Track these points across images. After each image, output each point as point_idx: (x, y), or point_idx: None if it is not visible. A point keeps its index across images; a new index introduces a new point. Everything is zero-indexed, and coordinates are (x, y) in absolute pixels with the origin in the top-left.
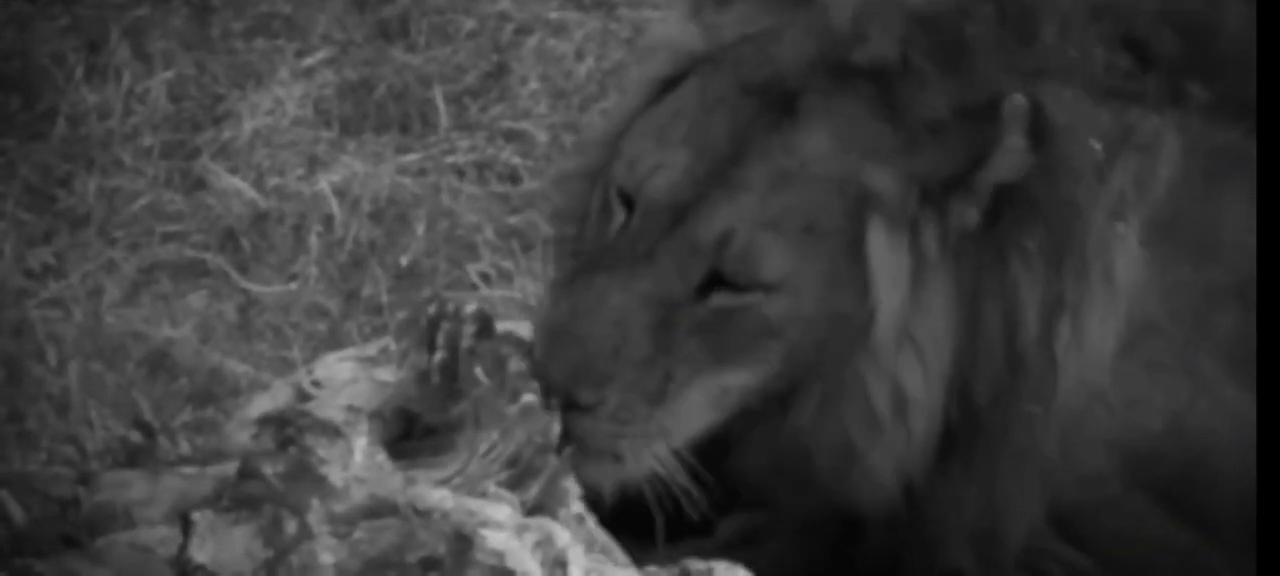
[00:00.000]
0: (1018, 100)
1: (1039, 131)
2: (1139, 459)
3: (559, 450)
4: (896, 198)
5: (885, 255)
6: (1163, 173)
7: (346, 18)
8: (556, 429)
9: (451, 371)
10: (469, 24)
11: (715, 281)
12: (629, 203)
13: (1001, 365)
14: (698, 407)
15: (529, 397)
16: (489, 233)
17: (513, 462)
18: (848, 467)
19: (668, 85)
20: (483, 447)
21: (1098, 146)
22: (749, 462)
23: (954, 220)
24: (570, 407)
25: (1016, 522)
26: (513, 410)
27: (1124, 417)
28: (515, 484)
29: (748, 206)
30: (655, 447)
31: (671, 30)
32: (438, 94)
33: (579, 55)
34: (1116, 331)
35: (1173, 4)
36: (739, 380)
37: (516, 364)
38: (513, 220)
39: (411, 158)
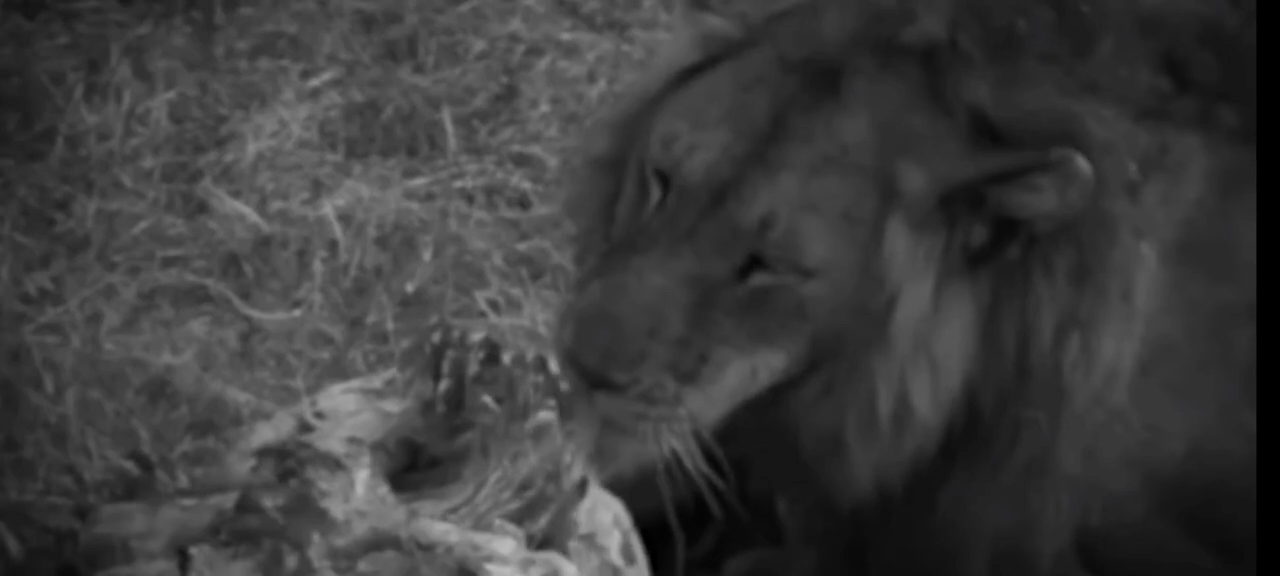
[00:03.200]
0: (1080, 164)
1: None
2: (1162, 484)
3: (562, 423)
4: (921, 198)
5: (905, 255)
6: (1188, 194)
7: (353, 38)
8: (568, 457)
9: (457, 400)
10: (478, 45)
11: (754, 263)
12: (665, 181)
13: (1011, 376)
14: (728, 390)
15: (544, 415)
16: (497, 259)
17: (525, 487)
18: (830, 457)
19: (695, 71)
20: (490, 478)
21: (1133, 167)
22: (742, 448)
23: (961, 233)
24: (598, 386)
25: (1045, 544)
26: (526, 429)
27: (1145, 441)
28: (524, 515)
29: (788, 189)
30: (679, 428)
31: (702, 21)
32: (446, 116)
33: (591, 78)
34: (1134, 352)
35: (1214, 24)
36: (770, 361)
37: (532, 381)
38: (522, 247)
39: (419, 182)
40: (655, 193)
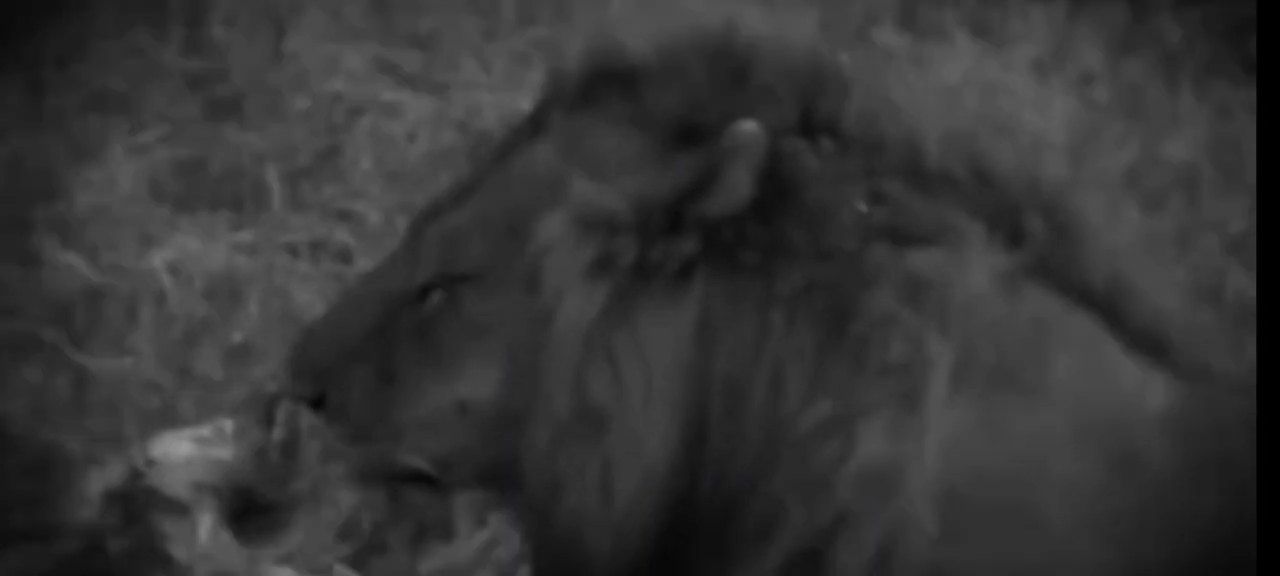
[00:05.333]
0: (748, 128)
1: (775, 170)
2: None
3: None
4: (593, 203)
5: (564, 252)
6: (972, 282)
7: (180, 96)
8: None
9: (291, 450)
10: (302, 103)
11: (437, 284)
12: None
13: (742, 430)
14: (431, 421)
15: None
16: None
17: (348, 532)
18: (553, 499)
19: None
20: (323, 524)
21: (863, 207)
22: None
23: (671, 248)
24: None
25: None
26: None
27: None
28: (360, 563)
29: (471, 207)
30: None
31: None
32: (271, 173)
33: (411, 137)
34: (927, 465)
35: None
36: (466, 390)
37: None
38: None
39: (244, 236)
40: None
